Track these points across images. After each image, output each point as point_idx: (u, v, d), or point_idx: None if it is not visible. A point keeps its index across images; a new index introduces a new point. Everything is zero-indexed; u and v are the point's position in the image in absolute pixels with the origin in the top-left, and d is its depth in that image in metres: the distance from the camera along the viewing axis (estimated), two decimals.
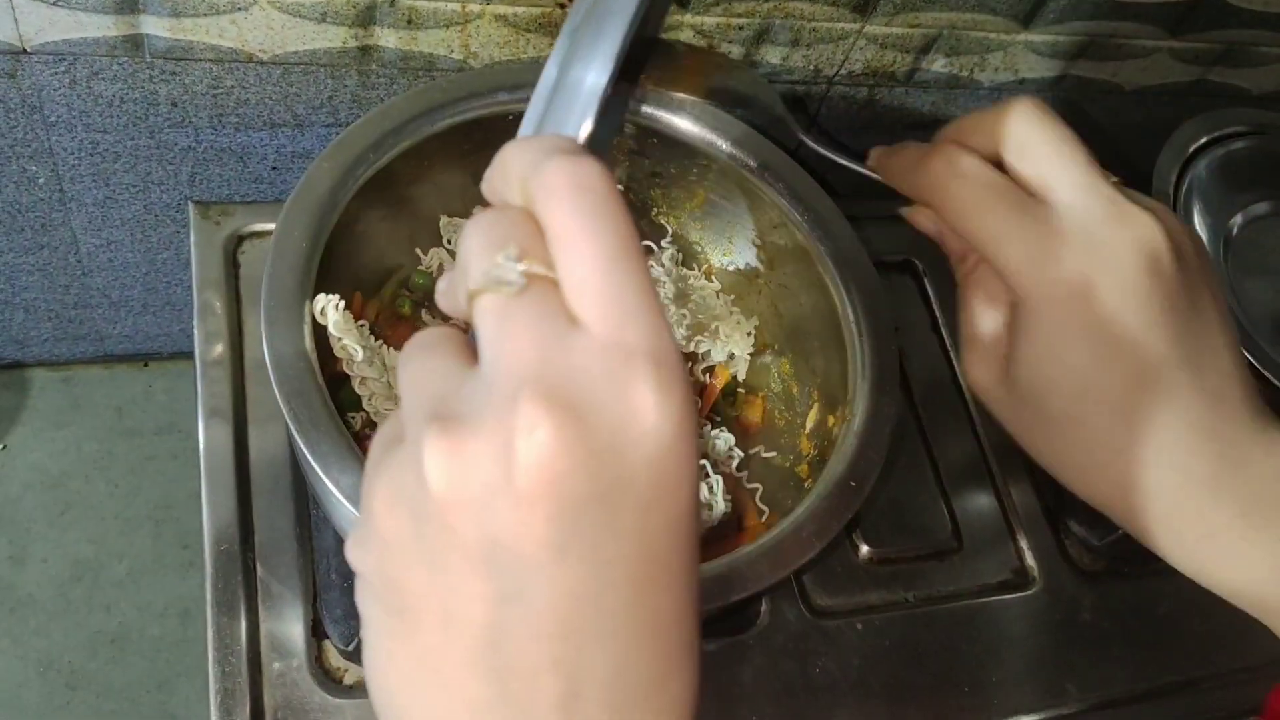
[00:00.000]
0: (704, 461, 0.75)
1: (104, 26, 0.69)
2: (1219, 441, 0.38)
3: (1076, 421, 0.40)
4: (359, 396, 0.69)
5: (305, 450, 0.54)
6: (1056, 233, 0.39)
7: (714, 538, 0.73)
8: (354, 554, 0.32)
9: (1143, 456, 0.39)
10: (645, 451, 0.27)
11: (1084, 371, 0.38)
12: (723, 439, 0.76)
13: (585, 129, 0.37)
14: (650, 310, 0.28)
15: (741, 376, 0.80)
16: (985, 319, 0.43)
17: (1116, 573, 0.86)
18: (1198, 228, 0.84)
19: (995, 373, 0.42)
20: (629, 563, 0.27)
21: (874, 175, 0.57)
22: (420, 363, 0.33)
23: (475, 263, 0.30)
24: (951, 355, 0.93)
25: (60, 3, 0.66)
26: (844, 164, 0.60)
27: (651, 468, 0.27)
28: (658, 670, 0.29)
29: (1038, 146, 0.41)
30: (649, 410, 0.27)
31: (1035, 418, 0.41)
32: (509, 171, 0.32)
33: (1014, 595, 0.83)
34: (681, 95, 0.73)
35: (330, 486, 0.54)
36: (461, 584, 0.28)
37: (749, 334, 0.79)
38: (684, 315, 0.78)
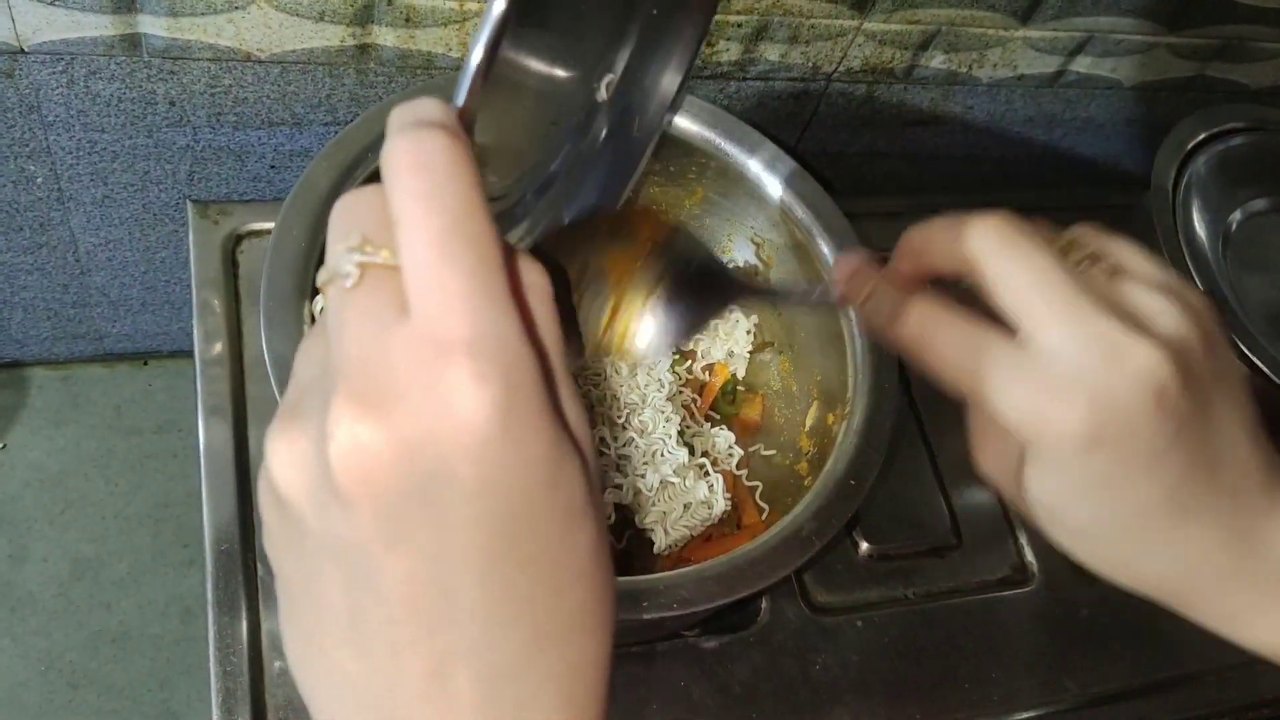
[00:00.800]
0: (704, 459, 0.75)
1: (101, 26, 0.69)
2: (1236, 535, 0.39)
3: (1092, 538, 0.40)
4: None
5: None
6: (1052, 384, 0.36)
7: (714, 535, 0.73)
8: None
9: (1160, 562, 0.40)
10: (463, 442, 0.26)
11: (1097, 508, 0.38)
12: (722, 437, 0.76)
13: (462, 93, 0.33)
14: (475, 297, 0.27)
15: (741, 374, 0.80)
16: (997, 439, 0.42)
17: None
18: (1196, 224, 0.84)
19: (1007, 476, 0.41)
20: (467, 551, 0.27)
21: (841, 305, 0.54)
22: (306, 341, 0.33)
23: (328, 252, 0.30)
24: None
25: (58, 2, 0.66)
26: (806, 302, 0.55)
27: (472, 459, 0.26)
28: (526, 647, 0.29)
29: (1016, 280, 0.37)
30: (463, 402, 0.26)
31: (1048, 522, 0.41)
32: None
33: (1013, 592, 0.83)
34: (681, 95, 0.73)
35: None
36: (319, 570, 0.29)
37: (748, 332, 0.79)
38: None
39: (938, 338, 0.39)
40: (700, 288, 0.53)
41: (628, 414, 0.74)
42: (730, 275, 0.58)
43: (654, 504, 0.70)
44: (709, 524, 0.71)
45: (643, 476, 0.71)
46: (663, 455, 0.72)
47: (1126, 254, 0.39)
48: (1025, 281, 0.37)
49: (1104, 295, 0.37)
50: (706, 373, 0.80)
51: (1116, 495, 0.37)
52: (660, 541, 0.70)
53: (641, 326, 0.53)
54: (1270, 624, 0.41)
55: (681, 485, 0.71)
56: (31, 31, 0.68)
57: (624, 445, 0.72)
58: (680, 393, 0.78)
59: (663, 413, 0.73)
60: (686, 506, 0.70)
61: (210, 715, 0.65)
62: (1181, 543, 0.39)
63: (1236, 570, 0.40)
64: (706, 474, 0.73)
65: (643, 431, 0.73)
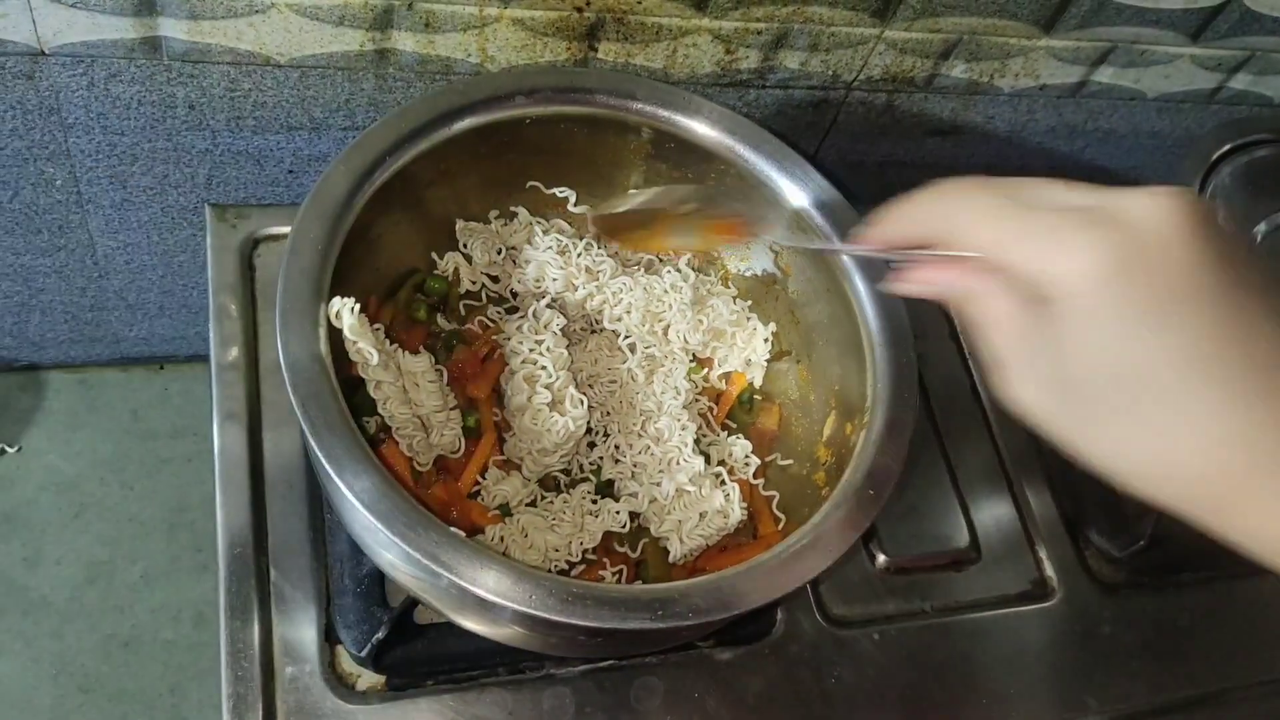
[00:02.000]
0: (719, 469, 0.74)
1: (122, 29, 0.69)
2: (1273, 419, 0.37)
3: (1131, 409, 0.38)
4: (374, 400, 0.69)
5: (320, 455, 0.54)
6: (1068, 223, 0.38)
7: (729, 545, 0.72)
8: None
9: (1187, 440, 0.37)
10: None
11: (1134, 352, 0.37)
12: (739, 446, 0.76)
13: None
14: None
15: (758, 383, 0.79)
16: (1004, 334, 0.42)
17: (1137, 584, 0.85)
18: None
19: (1033, 385, 0.41)
20: None
21: (859, 251, 0.56)
22: None
23: None
24: (970, 364, 0.92)
25: (78, 4, 0.66)
26: (827, 249, 0.59)
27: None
28: None
29: (1010, 186, 0.41)
30: None
31: (1087, 418, 0.39)
32: None
33: (1033, 607, 0.82)
34: (699, 99, 0.73)
35: (345, 491, 0.53)
36: None
37: (766, 340, 0.79)
38: (700, 321, 0.77)
39: (955, 204, 0.42)
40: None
41: (644, 421, 0.73)
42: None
43: (669, 512, 0.70)
44: (725, 533, 0.71)
45: (658, 485, 0.70)
46: (679, 463, 0.71)
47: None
48: (1022, 186, 0.41)
49: None
50: (723, 381, 0.79)
51: (1150, 341, 0.37)
52: (675, 550, 0.69)
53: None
54: None
55: (697, 494, 0.70)
56: (52, 34, 0.68)
57: (640, 453, 0.72)
58: (696, 401, 0.77)
59: (679, 420, 0.73)
60: (702, 515, 0.69)
61: None
62: (1209, 414, 0.37)
63: (1270, 460, 0.37)
64: (723, 483, 0.72)
65: (659, 439, 0.72)
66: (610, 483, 0.72)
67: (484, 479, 0.69)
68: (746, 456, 0.75)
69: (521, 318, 0.73)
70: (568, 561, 0.67)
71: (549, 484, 0.72)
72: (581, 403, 0.70)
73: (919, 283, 0.46)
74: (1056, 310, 0.38)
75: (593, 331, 0.78)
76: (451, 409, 0.70)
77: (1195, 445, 0.38)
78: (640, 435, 0.73)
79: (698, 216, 0.65)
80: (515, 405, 0.70)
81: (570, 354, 0.74)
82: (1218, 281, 0.37)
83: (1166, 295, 0.37)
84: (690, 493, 0.70)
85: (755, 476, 0.75)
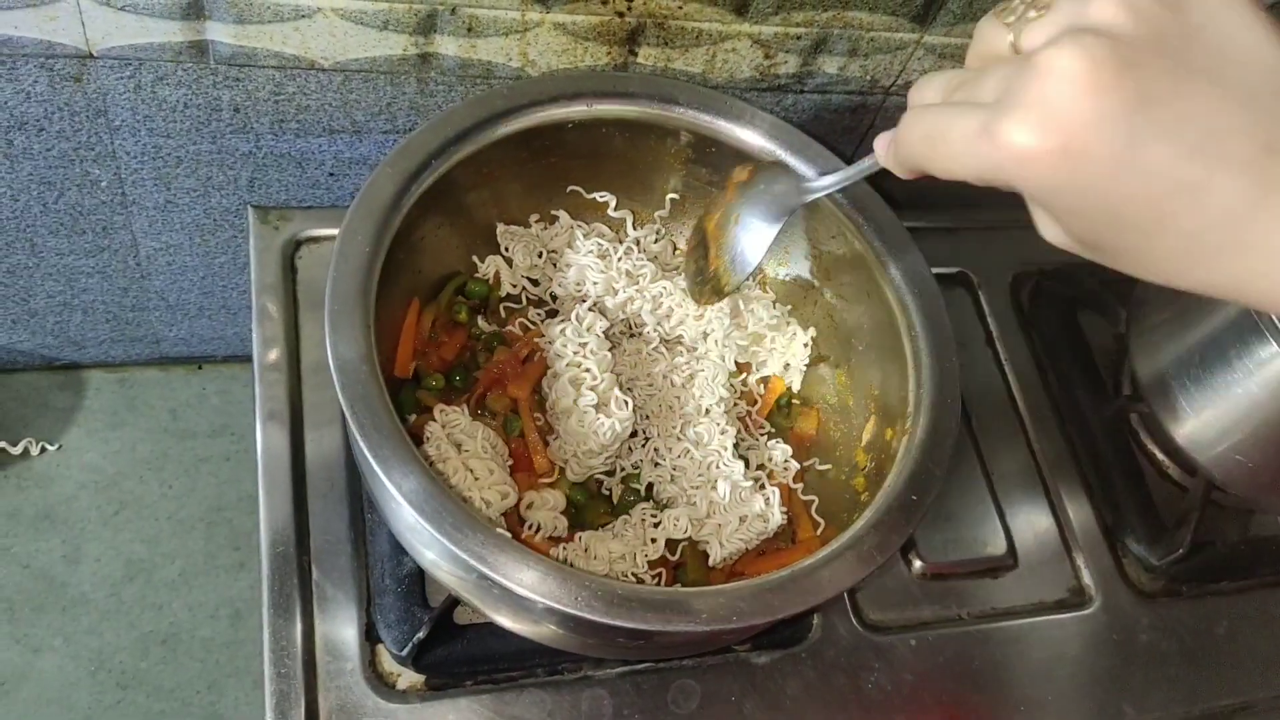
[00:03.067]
0: (759, 472, 0.74)
1: (170, 32, 0.70)
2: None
3: (1132, 244, 0.36)
4: (416, 399, 0.70)
5: (368, 455, 0.54)
6: (987, 124, 0.36)
7: (767, 550, 0.72)
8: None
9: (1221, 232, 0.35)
10: None
11: (1104, 201, 0.35)
12: (779, 450, 0.76)
13: None
14: None
15: (796, 388, 0.79)
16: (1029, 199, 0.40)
17: (1175, 593, 0.85)
18: None
19: (1061, 236, 0.39)
20: None
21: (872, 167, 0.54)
22: None
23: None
24: (1006, 368, 0.92)
25: (127, 7, 0.67)
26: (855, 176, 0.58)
27: None
28: None
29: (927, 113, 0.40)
30: None
31: (1111, 250, 0.37)
32: None
33: (1070, 614, 0.81)
34: (740, 104, 0.73)
35: (392, 490, 0.54)
36: None
37: (805, 345, 0.79)
38: (740, 325, 0.77)
39: (930, 151, 0.40)
40: (768, 202, 0.64)
41: (683, 425, 0.73)
42: (791, 172, 0.67)
43: (710, 516, 0.70)
44: (764, 537, 0.71)
45: (698, 488, 0.71)
46: (719, 467, 0.71)
47: None
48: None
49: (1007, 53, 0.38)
50: (761, 385, 0.80)
51: (1127, 179, 0.34)
52: (715, 554, 0.69)
53: (730, 258, 0.65)
54: None
55: (738, 498, 0.70)
56: (101, 36, 0.69)
57: (680, 456, 0.72)
58: (736, 405, 0.78)
59: (718, 424, 0.73)
60: (743, 519, 0.70)
61: (263, 718, 0.65)
62: (1223, 199, 0.34)
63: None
64: (763, 487, 0.72)
65: (699, 443, 0.72)
66: (650, 486, 0.72)
67: (525, 509, 0.69)
68: (786, 461, 0.75)
69: (564, 321, 0.74)
70: (634, 574, 0.68)
71: (594, 490, 0.72)
72: (627, 404, 0.71)
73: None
74: (1026, 194, 0.37)
75: (631, 335, 0.78)
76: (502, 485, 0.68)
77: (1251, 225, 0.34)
78: (680, 439, 0.73)
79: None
80: (561, 408, 0.70)
81: (612, 356, 0.74)
82: (1180, 77, 0.35)
83: (1100, 150, 0.34)
84: (731, 496, 0.70)
85: (794, 481, 0.75)
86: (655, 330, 0.77)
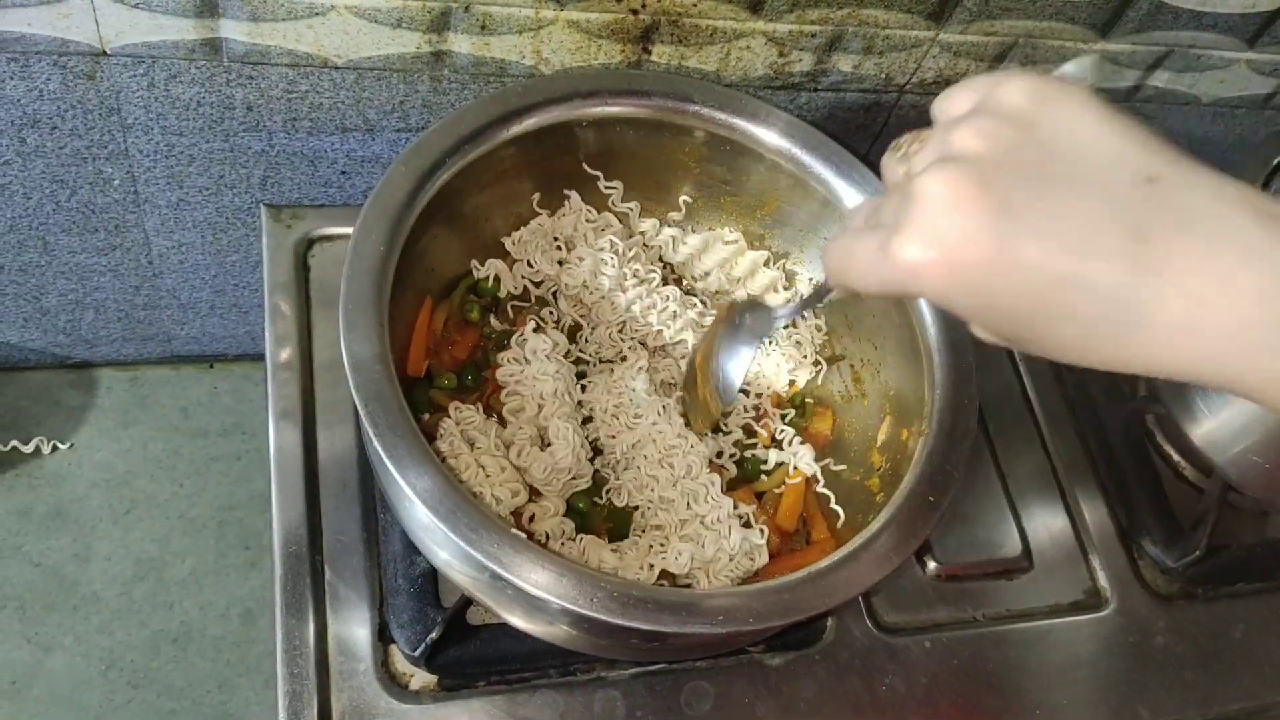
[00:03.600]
0: (746, 510, 0.72)
1: (183, 30, 0.69)
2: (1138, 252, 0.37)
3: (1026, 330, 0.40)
4: (430, 398, 0.69)
5: (383, 454, 0.54)
6: (884, 245, 0.40)
7: (782, 550, 0.72)
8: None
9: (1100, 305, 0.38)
10: None
11: (988, 297, 0.38)
12: (805, 454, 0.75)
13: None
14: None
15: (802, 383, 0.79)
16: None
17: (1191, 595, 0.84)
18: None
19: (979, 331, 0.43)
20: None
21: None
22: None
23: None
24: (1021, 369, 0.91)
25: (141, 5, 0.67)
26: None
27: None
28: None
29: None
30: None
31: (1020, 338, 0.41)
32: None
33: (1086, 616, 0.81)
34: (755, 102, 0.73)
35: (407, 489, 0.54)
36: None
37: (819, 344, 0.78)
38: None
39: (845, 270, 0.44)
40: (745, 327, 0.70)
41: (672, 455, 0.72)
42: (766, 304, 0.73)
43: (702, 548, 0.68)
44: (749, 574, 0.70)
45: (687, 521, 0.70)
46: (707, 501, 0.70)
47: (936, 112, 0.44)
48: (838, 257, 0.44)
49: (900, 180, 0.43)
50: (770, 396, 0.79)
51: (1009, 279, 0.38)
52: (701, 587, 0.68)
53: (716, 385, 0.70)
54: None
55: (724, 536, 0.69)
56: (115, 34, 0.69)
57: (668, 486, 0.70)
58: (749, 411, 0.77)
59: (705, 461, 0.72)
60: (731, 557, 0.69)
61: (276, 718, 0.65)
62: (1096, 286, 0.37)
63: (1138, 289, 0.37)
64: (748, 524, 0.71)
65: (688, 474, 0.71)
66: (636, 509, 0.71)
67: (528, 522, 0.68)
68: (811, 467, 0.75)
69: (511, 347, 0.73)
70: None
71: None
72: (571, 433, 0.69)
73: None
74: (930, 299, 0.40)
75: (622, 358, 0.77)
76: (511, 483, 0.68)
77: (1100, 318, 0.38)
78: (669, 467, 0.71)
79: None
80: (505, 439, 0.69)
81: (601, 376, 0.73)
82: (1044, 177, 0.38)
83: (976, 258, 0.38)
84: (716, 531, 0.69)
85: (818, 484, 0.74)
86: (655, 339, 0.76)
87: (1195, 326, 0.36)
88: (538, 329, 0.73)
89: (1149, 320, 0.37)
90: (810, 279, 0.80)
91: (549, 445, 0.69)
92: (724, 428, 0.76)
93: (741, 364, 0.69)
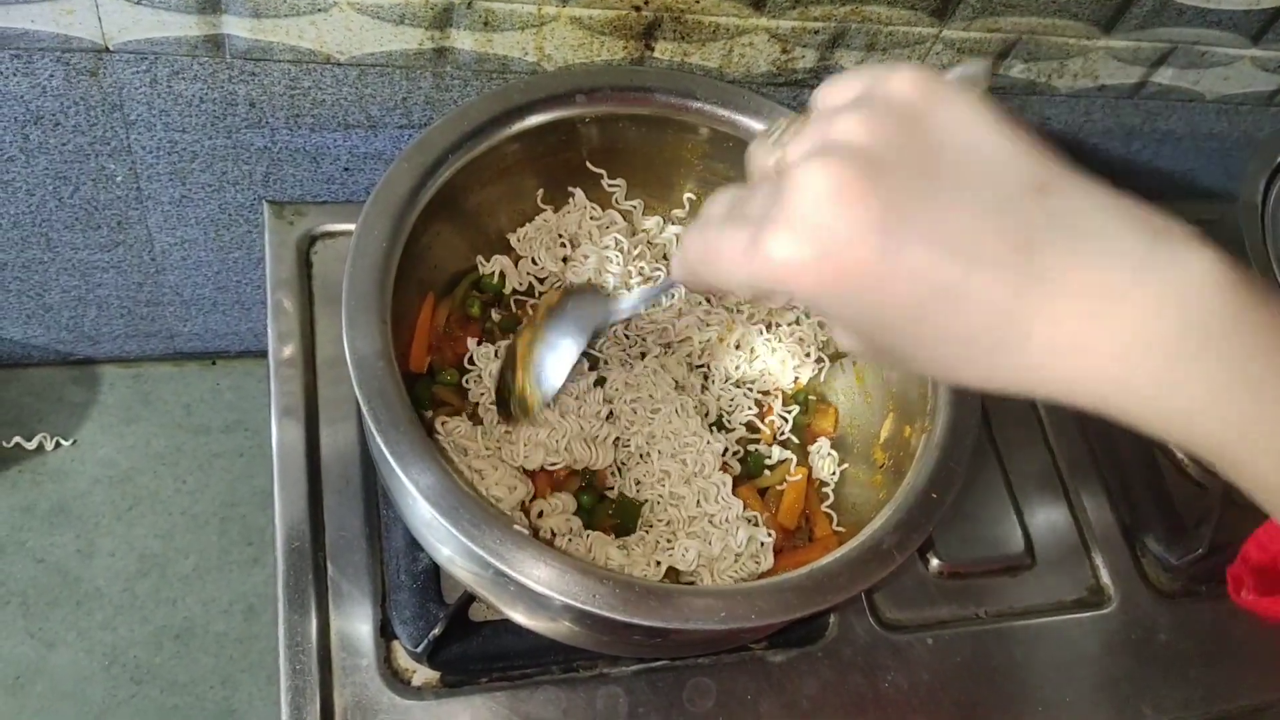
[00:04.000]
0: (754, 514, 0.72)
1: (186, 26, 0.69)
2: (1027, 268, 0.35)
3: (898, 343, 0.38)
4: (431, 394, 0.70)
5: (385, 450, 0.54)
6: (753, 239, 0.36)
7: (785, 548, 0.72)
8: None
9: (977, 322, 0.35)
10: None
11: (864, 304, 0.36)
12: (828, 456, 0.75)
13: None
14: None
15: (803, 380, 0.79)
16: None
17: (1194, 593, 0.84)
18: None
19: (848, 340, 0.41)
20: None
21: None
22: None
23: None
24: None
25: (144, 2, 0.67)
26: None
27: None
28: None
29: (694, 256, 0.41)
30: None
31: (887, 350, 0.39)
32: None
33: (1089, 614, 0.81)
34: (759, 98, 0.73)
35: (409, 486, 0.54)
36: None
37: (823, 341, 0.78)
38: (743, 352, 0.77)
39: (705, 267, 0.40)
40: (575, 323, 0.67)
41: (684, 451, 0.72)
42: (599, 294, 0.70)
43: (709, 545, 0.68)
44: (754, 576, 0.70)
45: (695, 519, 0.70)
46: (717, 500, 0.70)
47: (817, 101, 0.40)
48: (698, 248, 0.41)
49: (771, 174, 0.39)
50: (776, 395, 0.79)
51: (887, 284, 0.35)
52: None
53: (535, 377, 0.67)
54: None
55: (731, 535, 0.69)
56: (118, 30, 0.69)
57: (680, 484, 0.71)
58: (753, 408, 0.77)
59: (716, 454, 0.72)
60: (736, 557, 0.69)
61: (277, 714, 0.65)
62: (993, 299, 0.35)
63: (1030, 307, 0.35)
64: (756, 525, 0.71)
65: (699, 472, 0.71)
66: (645, 503, 0.72)
67: (536, 518, 0.69)
68: (832, 468, 0.75)
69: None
70: None
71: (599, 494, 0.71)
72: (544, 415, 0.69)
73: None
74: (801, 301, 0.38)
75: (641, 355, 0.77)
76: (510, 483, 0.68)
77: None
78: (681, 463, 0.71)
79: None
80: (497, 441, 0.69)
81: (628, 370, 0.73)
82: (928, 187, 0.35)
83: (853, 254, 0.35)
84: (723, 530, 0.69)
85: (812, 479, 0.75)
86: (660, 338, 0.76)
87: (1082, 345, 0.34)
88: (480, 343, 0.73)
89: (1032, 336, 0.34)
90: None
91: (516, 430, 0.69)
92: (727, 424, 0.76)
93: (565, 360, 0.66)
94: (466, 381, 0.72)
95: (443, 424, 0.68)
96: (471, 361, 0.72)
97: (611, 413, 0.73)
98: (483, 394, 0.71)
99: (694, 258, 0.41)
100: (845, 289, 0.35)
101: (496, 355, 0.72)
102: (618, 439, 0.72)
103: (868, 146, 0.36)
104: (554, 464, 0.68)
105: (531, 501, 0.68)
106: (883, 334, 0.37)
